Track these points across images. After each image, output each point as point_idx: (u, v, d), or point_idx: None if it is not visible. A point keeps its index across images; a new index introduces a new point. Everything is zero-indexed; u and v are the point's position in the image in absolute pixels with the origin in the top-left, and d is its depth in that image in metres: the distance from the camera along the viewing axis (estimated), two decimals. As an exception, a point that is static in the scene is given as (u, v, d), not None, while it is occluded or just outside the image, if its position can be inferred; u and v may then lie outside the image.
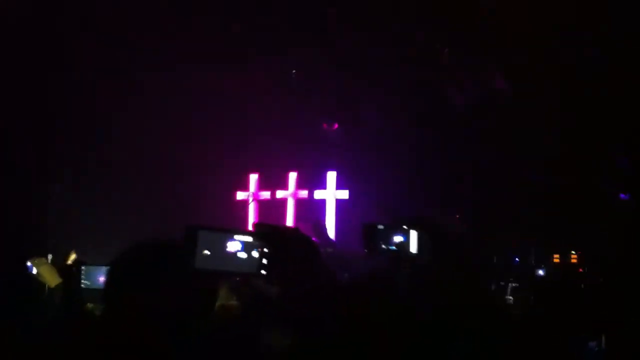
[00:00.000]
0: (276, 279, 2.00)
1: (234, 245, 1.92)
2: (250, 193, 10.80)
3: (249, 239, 1.97)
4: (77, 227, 9.65)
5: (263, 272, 1.97)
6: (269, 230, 2.03)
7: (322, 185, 10.46)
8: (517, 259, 8.92)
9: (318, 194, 10.51)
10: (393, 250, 2.54)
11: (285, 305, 2.01)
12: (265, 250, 1.97)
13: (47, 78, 8.92)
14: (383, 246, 2.54)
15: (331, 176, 10.42)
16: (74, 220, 9.89)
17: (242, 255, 1.95)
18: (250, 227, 2.95)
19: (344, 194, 10.27)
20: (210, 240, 1.88)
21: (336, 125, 10.27)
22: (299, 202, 10.58)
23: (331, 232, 9.26)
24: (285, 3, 8.29)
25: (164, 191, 10.10)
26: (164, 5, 8.15)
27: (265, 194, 10.78)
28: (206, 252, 1.86)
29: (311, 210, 10.29)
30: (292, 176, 10.64)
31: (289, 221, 10.25)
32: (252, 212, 10.71)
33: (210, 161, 10.05)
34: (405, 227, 2.57)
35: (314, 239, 2.51)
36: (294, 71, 9.81)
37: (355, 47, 8.69)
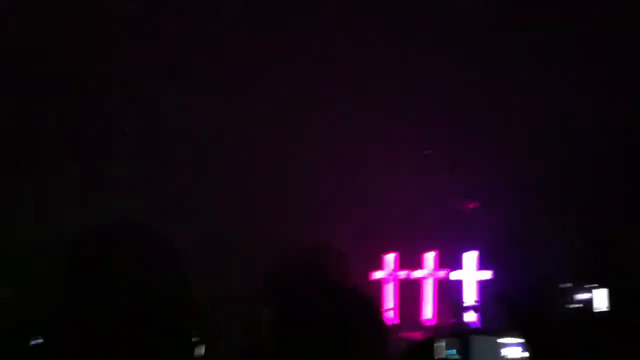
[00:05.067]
0: None
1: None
2: (387, 272, 10.67)
3: None
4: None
5: None
6: None
7: (461, 265, 10.22)
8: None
9: (455, 275, 10.27)
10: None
11: None
12: None
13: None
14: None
15: (470, 256, 10.17)
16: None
17: None
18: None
19: (486, 275, 9.96)
20: None
21: (476, 205, 10.07)
22: (439, 283, 10.38)
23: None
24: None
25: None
26: None
27: (402, 274, 10.63)
28: None
29: (450, 290, 10.07)
30: (430, 256, 10.47)
31: (428, 301, 10.05)
32: (390, 292, 10.57)
33: (346, 240, 9.97)
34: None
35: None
36: (430, 151, 9.74)
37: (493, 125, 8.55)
